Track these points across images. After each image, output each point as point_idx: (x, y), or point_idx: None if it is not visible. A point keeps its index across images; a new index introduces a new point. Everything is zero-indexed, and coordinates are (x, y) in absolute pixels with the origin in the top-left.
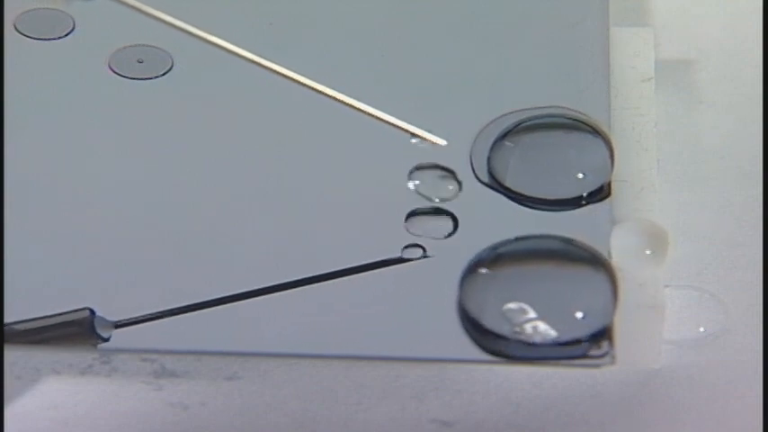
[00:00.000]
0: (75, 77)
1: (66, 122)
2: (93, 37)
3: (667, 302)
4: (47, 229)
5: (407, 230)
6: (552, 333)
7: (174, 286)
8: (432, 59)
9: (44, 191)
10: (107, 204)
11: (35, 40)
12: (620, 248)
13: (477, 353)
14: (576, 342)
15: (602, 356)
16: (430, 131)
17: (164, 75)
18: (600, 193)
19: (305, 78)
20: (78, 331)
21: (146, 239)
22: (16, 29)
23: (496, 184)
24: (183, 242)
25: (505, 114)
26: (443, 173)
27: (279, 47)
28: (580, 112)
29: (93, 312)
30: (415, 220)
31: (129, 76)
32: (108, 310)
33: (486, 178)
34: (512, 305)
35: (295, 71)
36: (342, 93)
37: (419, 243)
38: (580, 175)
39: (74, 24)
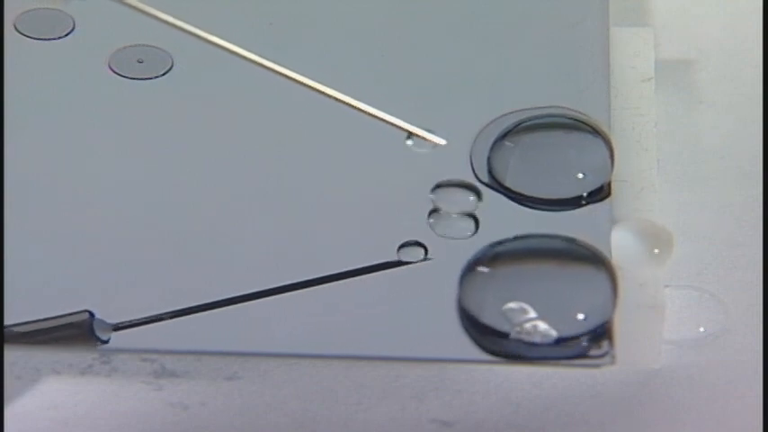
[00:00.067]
0: (75, 77)
1: (66, 122)
2: (93, 37)
3: (667, 302)
4: (47, 230)
5: (433, 203)
6: (552, 333)
7: (174, 288)
8: (431, 59)
9: (44, 191)
10: (107, 205)
11: (35, 40)
12: (623, 249)
13: (477, 353)
14: (576, 342)
15: (602, 356)
16: (430, 131)
17: (164, 75)
18: (600, 193)
19: (305, 78)
20: (77, 333)
21: (145, 240)
22: (16, 29)
23: (496, 184)
24: (183, 243)
25: (505, 114)
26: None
27: (279, 47)
28: (580, 112)
29: (92, 315)
30: (441, 191)
31: (129, 76)
32: (107, 312)
33: (486, 178)
34: (511, 305)
35: (295, 71)
36: (342, 93)
37: (420, 242)
38: (580, 175)
39: (74, 24)
